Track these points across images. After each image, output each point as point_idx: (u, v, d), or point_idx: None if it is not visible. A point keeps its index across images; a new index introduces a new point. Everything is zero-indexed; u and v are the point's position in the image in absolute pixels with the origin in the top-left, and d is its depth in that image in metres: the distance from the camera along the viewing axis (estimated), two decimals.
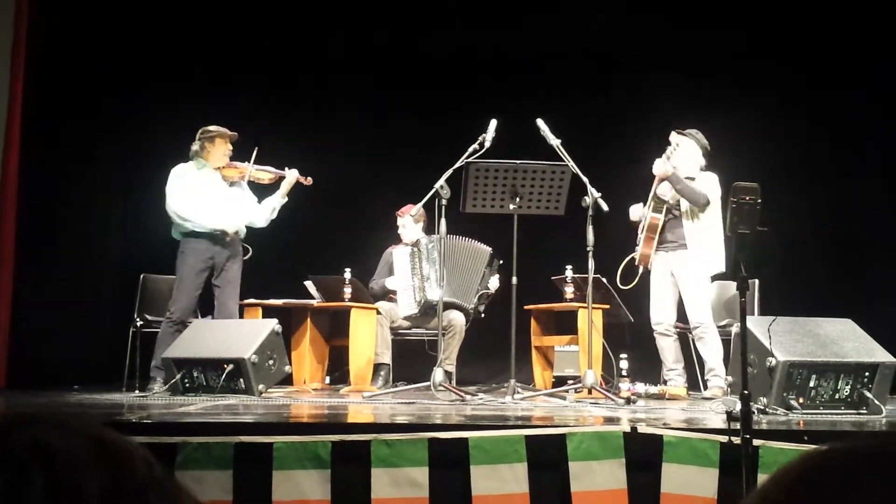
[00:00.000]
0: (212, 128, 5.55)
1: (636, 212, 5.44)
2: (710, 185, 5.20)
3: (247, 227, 5.61)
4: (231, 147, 5.56)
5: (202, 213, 5.37)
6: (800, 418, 3.62)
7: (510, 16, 7.24)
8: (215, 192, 5.48)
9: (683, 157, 5.29)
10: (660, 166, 5.21)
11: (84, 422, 0.63)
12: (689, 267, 5.18)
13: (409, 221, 6.15)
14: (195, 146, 5.51)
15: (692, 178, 5.23)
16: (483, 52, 7.39)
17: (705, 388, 5.17)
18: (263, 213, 5.64)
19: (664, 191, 5.29)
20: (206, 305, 5.65)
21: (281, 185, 5.64)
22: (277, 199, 5.65)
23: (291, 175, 5.63)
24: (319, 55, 7.47)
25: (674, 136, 5.35)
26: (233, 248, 5.48)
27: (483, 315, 6.15)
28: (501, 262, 6.06)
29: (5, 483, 0.57)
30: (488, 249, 6.12)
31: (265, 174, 5.63)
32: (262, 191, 5.74)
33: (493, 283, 6.14)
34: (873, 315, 4.72)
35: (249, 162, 5.57)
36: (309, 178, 5.69)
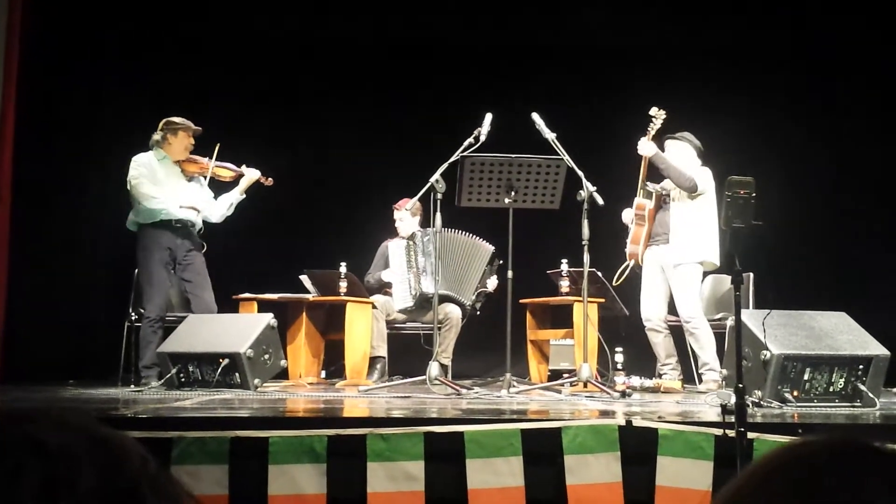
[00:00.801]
0: (176, 119, 5.49)
1: (628, 216, 5.44)
2: (701, 176, 5.20)
3: (203, 223, 5.56)
4: (193, 142, 5.51)
5: (168, 203, 5.31)
6: (794, 411, 3.64)
7: (506, 9, 7.23)
8: (175, 185, 5.43)
9: (676, 157, 5.30)
10: (643, 146, 5.22)
11: (79, 417, 0.63)
12: (677, 261, 5.18)
13: (405, 215, 6.14)
14: (156, 136, 5.45)
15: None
16: (479, 46, 7.38)
17: (700, 381, 5.19)
18: (219, 208, 5.59)
19: (654, 185, 5.32)
20: None
21: (240, 182, 5.59)
22: (235, 196, 5.60)
23: (251, 174, 5.58)
24: (313, 48, 7.45)
25: (668, 143, 5.36)
26: (192, 240, 5.44)
27: (479, 312, 6.16)
28: (501, 262, 6.06)
29: (1, 478, 0.57)
30: (491, 248, 6.11)
31: (226, 171, 5.58)
32: (217, 187, 5.70)
33: (492, 282, 6.15)
34: (868, 308, 4.72)
35: (211, 158, 5.51)
36: (270, 179, 5.64)
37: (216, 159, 5.52)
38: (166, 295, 5.39)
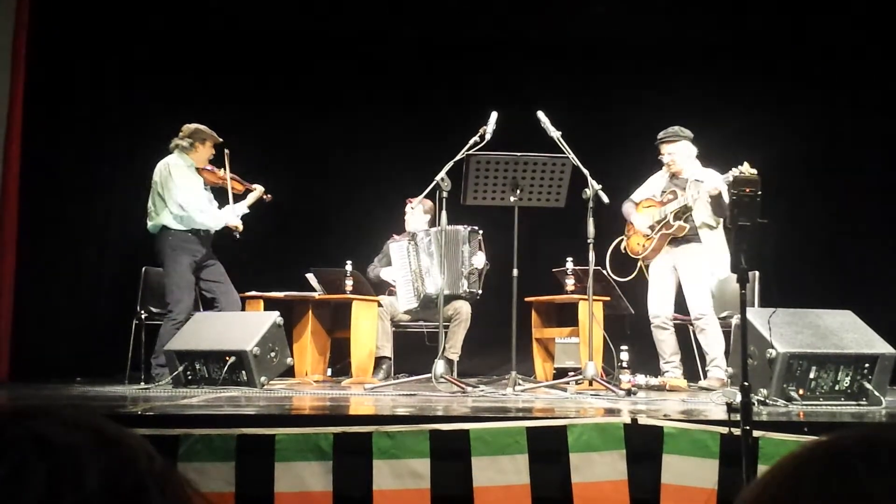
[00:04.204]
0: (205, 128, 5.61)
1: (643, 223, 5.37)
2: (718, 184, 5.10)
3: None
4: (214, 152, 5.63)
5: (206, 211, 5.45)
6: (800, 409, 3.63)
7: (511, 8, 7.22)
8: (203, 191, 5.57)
9: (685, 158, 5.27)
10: (717, 183, 4.97)
11: (84, 414, 0.63)
12: (692, 259, 5.17)
13: (418, 209, 6.10)
14: (184, 143, 5.55)
15: (701, 181, 5.20)
16: (485, 44, 7.37)
17: (705, 377, 5.18)
18: (226, 217, 5.69)
19: (680, 198, 5.26)
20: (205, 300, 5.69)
21: (248, 196, 5.72)
22: (242, 208, 5.72)
23: (259, 190, 5.74)
24: (318, 46, 7.46)
25: (665, 147, 5.32)
26: (211, 246, 5.58)
27: (480, 293, 6.05)
28: (481, 231, 6.01)
29: (5, 476, 0.57)
30: (460, 228, 6.00)
31: (238, 185, 5.73)
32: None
33: (479, 259, 6.03)
34: (873, 306, 4.71)
35: (225, 169, 5.64)
36: (269, 195, 5.79)
37: (228, 169, 5.65)
38: (193, 298, 5.50)
